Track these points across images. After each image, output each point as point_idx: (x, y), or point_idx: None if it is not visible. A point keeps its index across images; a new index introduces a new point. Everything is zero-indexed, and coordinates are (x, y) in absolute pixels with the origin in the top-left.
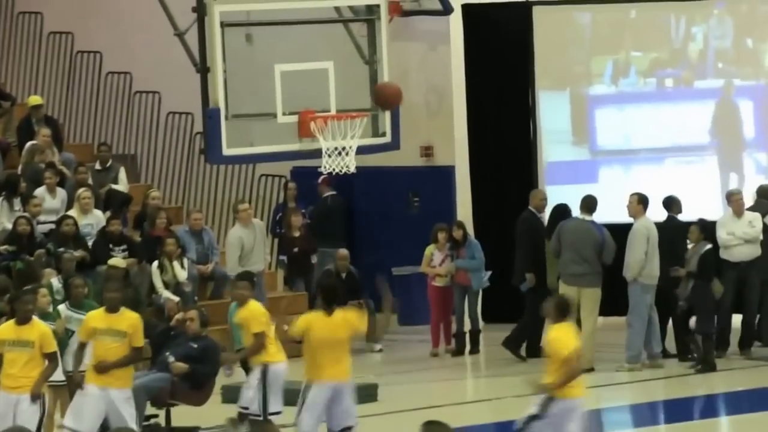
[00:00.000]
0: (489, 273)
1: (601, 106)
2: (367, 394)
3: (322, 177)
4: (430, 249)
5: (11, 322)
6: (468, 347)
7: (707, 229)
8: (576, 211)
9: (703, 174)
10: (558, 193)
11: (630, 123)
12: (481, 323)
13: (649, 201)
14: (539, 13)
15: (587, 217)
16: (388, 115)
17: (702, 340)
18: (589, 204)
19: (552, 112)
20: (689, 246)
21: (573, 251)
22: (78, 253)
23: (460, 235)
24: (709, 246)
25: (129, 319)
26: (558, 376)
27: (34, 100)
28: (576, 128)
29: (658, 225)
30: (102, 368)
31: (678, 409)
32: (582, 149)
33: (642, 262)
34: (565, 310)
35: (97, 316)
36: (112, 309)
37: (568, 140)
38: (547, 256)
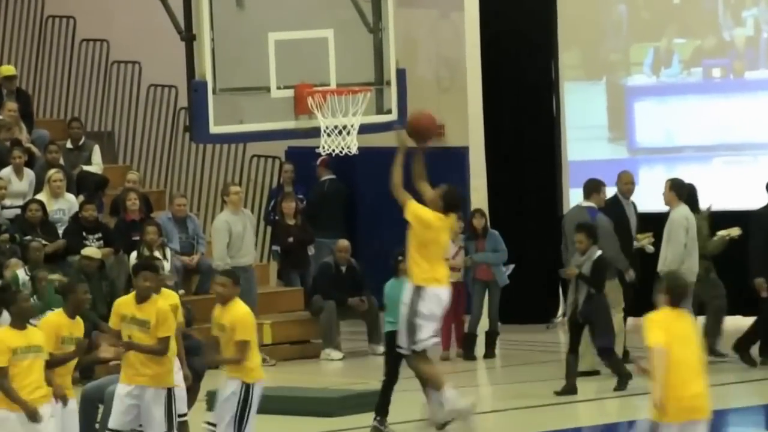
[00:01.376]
0: (512, 267)
1: (640, 98)
2: (369, 401)
3: (320, 159)
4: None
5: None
6: (483, 350)
7: (594, 232)
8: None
9: (756, 175)
10: None
11: (673, 118)
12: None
13: (687, 188)
14: None
15: (585, 204)
16: (393, 90)
17: (600, 354)
18: (587, 188)
19: (584, 105)
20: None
21: (572, 242)
22: (53, 244)
23: (481, 225)
24: (600, 252)
25: (155, 308)
26: None
27: (8, 70)
28: (612, 123)
29: (756, 212)
30: (127, 347)
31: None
32: (619, 147)
33: (682, 255)
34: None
35: (125, 303)
36: (143, 298)
37: (604, 136)
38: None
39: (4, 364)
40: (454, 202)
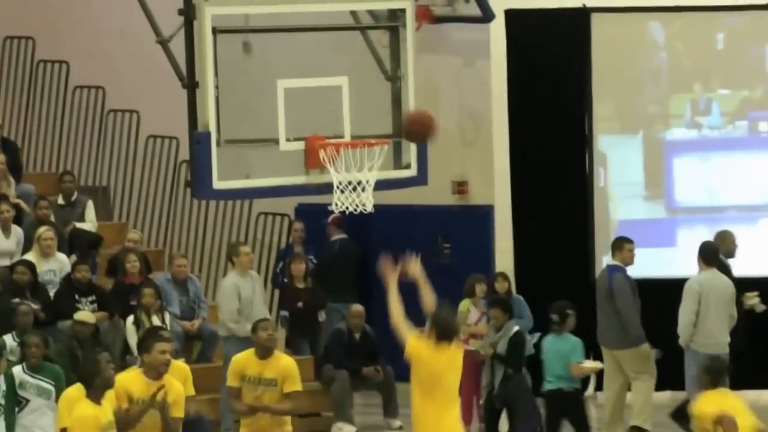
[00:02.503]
0: (538, 335)
1: (680, 153)
2: None
3: (331, 217)
4: (465, 304)
5: None
6: (506, 425)
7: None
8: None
9: None
10: None
11: (715, 174)
12: None
13: (714, 251)
14: (599, 23)
15: (611, 262)
16: (413, 144)
17: None
18: (614, 246)
19: (619, 160)
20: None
21: (599, 307)
22: (38, 309)
23: (504, 289)
24: (517, 327)
25: (281, 365)
26: None
27: None
28: (650, 180)
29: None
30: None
31: None
32: (657, 205)
33: (690, 325)
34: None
35: (246, 361)
36: (265, 353)
37: (639, 194)
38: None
39: None
40: (447, 328)
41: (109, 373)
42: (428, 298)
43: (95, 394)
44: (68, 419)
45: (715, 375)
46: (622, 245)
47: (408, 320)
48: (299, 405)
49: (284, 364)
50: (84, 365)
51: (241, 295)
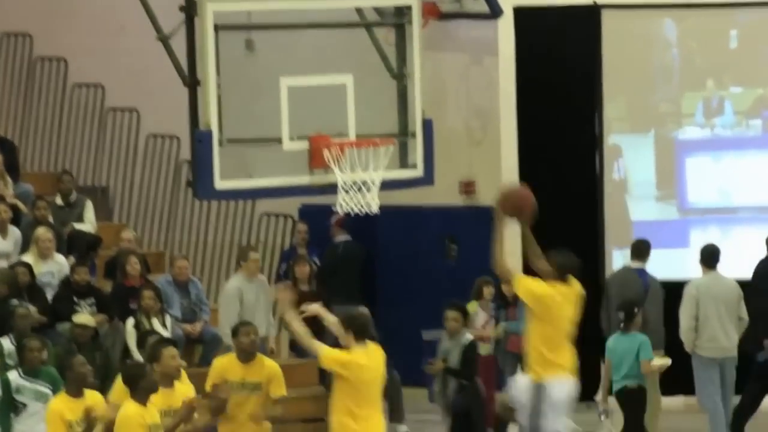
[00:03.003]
0: None
1: (692, 153)
2: None
3: (334, 218)
4: (472, 306)
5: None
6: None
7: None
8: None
9: None
10: None
11: (729, 174)
12: None
13: (714, 254)
14: (610, 19)
15: (635, 265)
16: (419, 142)
17: None
18: (638, 249)
19: (629, 159)
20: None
21: (613, 309)
22: (38, 318)
23: (510, 291)
24: (471, 338)
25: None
26: None
27: None
28: (661, 180)
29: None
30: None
31: None
32: (668, 206)
33: (690, 330)
34: None
35: (228, 365)
36: (247, 357)
37: (651, 195)
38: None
39: None
40: (570, 264)
41: (153, 377)
42: (529, 244)
43: (141, 396)
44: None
45: None
46: (647, 249)
47: None
48: (288, 411)
49: (269, 367)
50: (131, 368)
51: (244, 299)
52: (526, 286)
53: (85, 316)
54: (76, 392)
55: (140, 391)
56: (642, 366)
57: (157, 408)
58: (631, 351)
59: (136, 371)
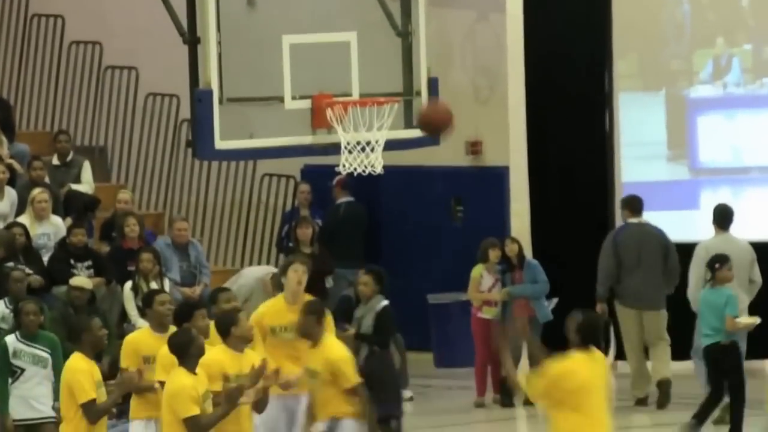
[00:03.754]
0: (555, 301)
1: (704, 111)
2: None
3: (336, 179)
4: (478, 270)
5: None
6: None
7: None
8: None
9: None
10: (646, 220)
11: (741, 134)
12: None
13: (727, 214)
14: None
15: (639, 220)
16: (424, 101)
17: (382, 422)
18: (636, 204)
19: (639, 118)
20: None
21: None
22: (34, 278)
23: (515, 252)
24: (385, 302)
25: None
26: None
27: None
28: (672, 140)
29: None
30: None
31: None
32: (679, 166)
33: (697, 291)
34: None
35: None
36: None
37: (662, 155)
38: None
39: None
40: (594, 330)
41: (202, 341)
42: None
43: (190, 363)
44: (92, 390)
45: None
46: (642, 204)
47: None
48: None
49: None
50: (177, 335)
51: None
52: (552, 373)
53: (82, 279)
54: (91, 355)
55: (190, 358)
56: (727, 323)
57: (232, 372)
58: (718, 306)
59: (184, 338)
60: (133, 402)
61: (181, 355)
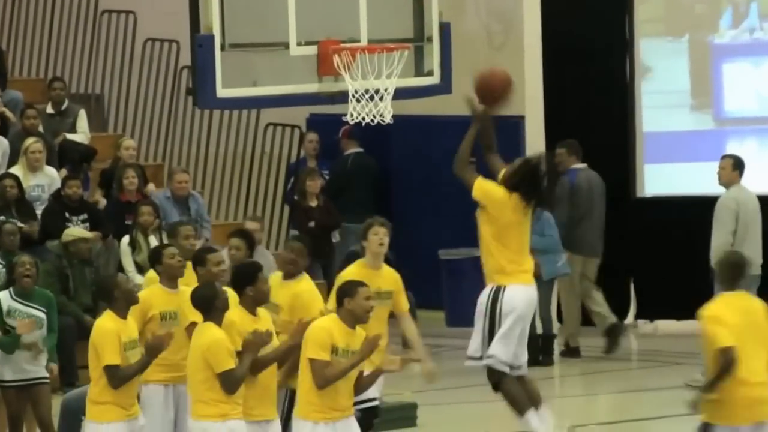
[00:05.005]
0: (564, 256)
1: (729, 58)
2: (403, 416)
3: (342, 129)
4: None
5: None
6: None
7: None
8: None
9: None
10: (669, 172)
11: None
12: (556, 325)
13: (744, 166)
14: None
15: (581, 165)
16: (436, 48)
17: None
18: (577, 149)
19: (662, 66)
20: None
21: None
22: (28, 226)
23: None
24: None
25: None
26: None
27: None
28: (696, 88)
29: None
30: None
31: None
32: (704, 116)
33: (726, 246)
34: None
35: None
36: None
37: (685, 104)
38: None
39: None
40: (528, 178)
41: (227, 295)
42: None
43: (216, 317)
44: (116, 354)
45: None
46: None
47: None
48: None
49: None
50: (202, 291)
51: None
52: (482, 188)
53: (78, 230)
54: (124, 313)
55: (215, 312)
56: None
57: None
58: None
59: (207, 291)
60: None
61: (207, 310)
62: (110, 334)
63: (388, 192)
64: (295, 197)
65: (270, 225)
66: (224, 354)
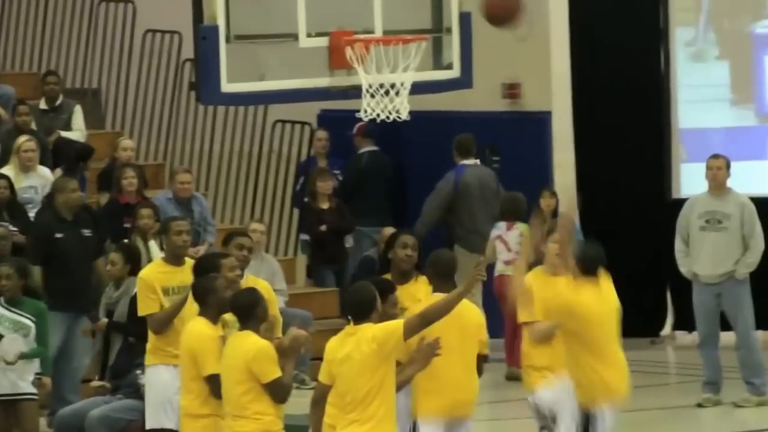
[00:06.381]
0: None
1: None
2: None
3: (357, 126)
4: (523, 226)
5: None
6: None
7: None
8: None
9: None
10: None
11: None
12: None
13: None
14: None
15: (472, 161)
16: (455, 39)
17: None
18: (466, 145)
19: (699, 57)
20: None
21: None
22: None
23: (552, 207)
24: None
25: None
26: None
27: None
28: (736, 82)
29: None
30: None
31: None
32: (745, 111)
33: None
34: None
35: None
36: None
37: (725, 98)
38: None
39: None
40: (594, 261)
41: (225, 293)
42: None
43: (255, 325)
44: (218, 363)
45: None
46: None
47: None
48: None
49: None
50: (244, 297)
51: None
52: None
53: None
54: (216, 320)
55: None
56: None
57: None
58: None
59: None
60: (156, 345)
61: (246, 317)
62: (211, 340)
63: (404, 192)
64: (306, 199)
65: (279, 229)
66: (272, 362)
